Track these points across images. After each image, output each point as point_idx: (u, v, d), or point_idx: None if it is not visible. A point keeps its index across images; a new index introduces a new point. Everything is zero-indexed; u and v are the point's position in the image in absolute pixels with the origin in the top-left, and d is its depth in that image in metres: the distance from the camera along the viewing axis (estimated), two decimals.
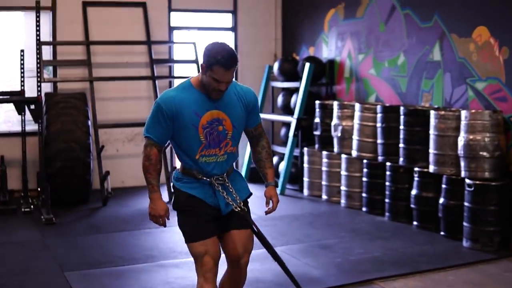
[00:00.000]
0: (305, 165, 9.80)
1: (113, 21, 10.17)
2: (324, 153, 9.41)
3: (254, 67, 11.04)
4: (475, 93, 7.55)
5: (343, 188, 9.05)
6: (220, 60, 3.80)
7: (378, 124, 8.41)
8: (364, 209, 8.67)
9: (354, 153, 8.85)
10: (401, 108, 7.99)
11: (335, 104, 9.20)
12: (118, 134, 10.31)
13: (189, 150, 3.99)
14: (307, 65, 9.77)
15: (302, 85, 9.79)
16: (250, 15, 10.98)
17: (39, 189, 8.97)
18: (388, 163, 8.23)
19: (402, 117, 7.98)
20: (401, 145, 8.02)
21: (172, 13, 10.54)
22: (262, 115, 10.46)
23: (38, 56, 8.90)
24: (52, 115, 8.96)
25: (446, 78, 7.95)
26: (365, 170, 8.66)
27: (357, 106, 8.75)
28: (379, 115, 8.38)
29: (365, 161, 8.66)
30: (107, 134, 10.12)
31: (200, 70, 3.96)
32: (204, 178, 4.02)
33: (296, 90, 10.45)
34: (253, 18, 11.02)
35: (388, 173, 8.23)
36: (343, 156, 9.04)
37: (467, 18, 7.61)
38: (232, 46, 10.54)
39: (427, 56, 8.22)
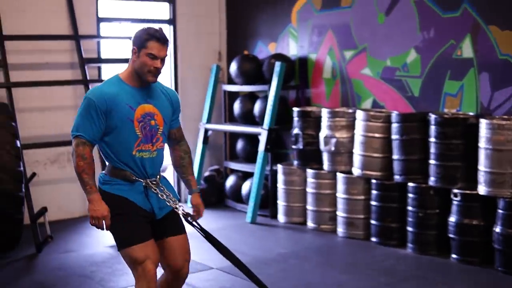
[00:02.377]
0: (280, 186, 8.08)
1: (27, 11, 7.89)
2: (310, 171, 7.75)
3: (196, 67, 9.15)
4: None
5: (340, 214, 7.44)
6: (154, 34, 3.81)
7: (395, 136, 6.87)
8: (374, 239, 7.12)
9: (356, 171, 7.28)
10: (433, 117, 6.51)
11: (325, 111, 7.57)
12: (39, 155, 8.04)
13: (125, 146, 3.89)
14: (278, 64, 8.06)
15: (273, 88, 8.06)
16: (190, 5, 9.06)
17: None
18: (411, 184, 6.74)
19: (433, 128, 6.50)
20: (431, 161, 6.54)
21: (99, 2, 8.41)
22: (212, 126, 8.83)
23: None
24: None
25: (482, 79, 6.58)
26: (374, 192, 7.11)
27: (361, 114, 7.18)
28: (395, 125, 6.85)
29: (373, 181, 7.11)
30: (25, 156, 7.80)
31: (131, 56, 3.88)
32: (139, 180, 3.93)
33: (255, 95, 8.74)
34: (195, 9, 9.11)
35: (410, 195, 6.73)
36: (340, 175, 7.44)
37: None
38: (172, 42, 8.78)
39: (452, 53, 6.80)
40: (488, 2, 6.49)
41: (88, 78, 7.92)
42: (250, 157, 8.69)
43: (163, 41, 3.82)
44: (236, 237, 7.47)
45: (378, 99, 7.54)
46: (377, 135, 7.09)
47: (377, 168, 7.11)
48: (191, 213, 4.14)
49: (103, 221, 3.83)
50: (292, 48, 8.47)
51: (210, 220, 8.17)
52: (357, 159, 7.26)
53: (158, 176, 4.00)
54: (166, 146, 4.13)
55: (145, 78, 3.85)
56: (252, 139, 8.67)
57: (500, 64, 6.41)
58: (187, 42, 9.05)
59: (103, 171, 4.03)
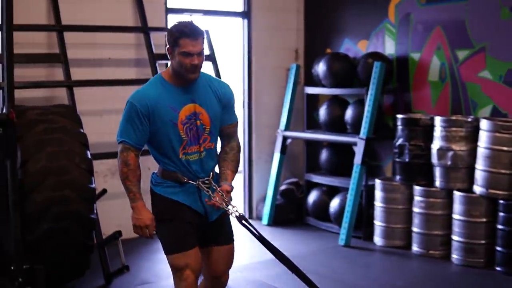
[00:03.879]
0: (378, 204, 7.03)
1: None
2: (417, 188, 6.70)
3: (272, 66, 8.10)
4: None
5: (456, 238, 6.38)
6: (184, 31, 3.60)
7: None
8: (498, 268, 6.08)
9: (478, 189, 6.22)
10: None
11: (438, 119, 6.52)
12: (97, 165, 6.94)
13: (170, 150, 3.74)
14: (377, 64, 7.01)
15: (371, 92, 7.01)
16: None
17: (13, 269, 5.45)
18: None
19: None
20: None
21: None
22: (292, 134, 7.76)
23: None
24: (29, 144, 5.52)
25: None
26: (501, 214, 6.07)
27: (486, 123, 6.14)
28: None
29: (500, 201, 6.07)
30: None
31: (169, 57, 3.70)
32: (190, 182, 3.77)
33: (343, 99, 7.70)
34: (272, 0, 8.06)
35: None
36: (457, 193, 6.38)
37: None
38: (245, 38, 7.73)
39: None
40: None
41: None
42: (336, 170, 7.64)
43: (195, 35, 3.60)
44: (333, 263, 6.42)
45: (499, 106, 6.48)
46: (505, 148, 6.05)
47: (506, 186, 6.06)
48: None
49: (146, 230, 3.74)
50: (389, 47, 7.42)
51: (295, 241, 7.16)
52: (479, 175, 6.21)
53: (211, 175, 3.83)
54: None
55: (185, 77, 3.67)
56: (339, 149, 7.63)
57: None
58: (263, 39, 8.00)
59: (155, 171, 3.89)
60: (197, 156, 3.77)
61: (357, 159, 7.06)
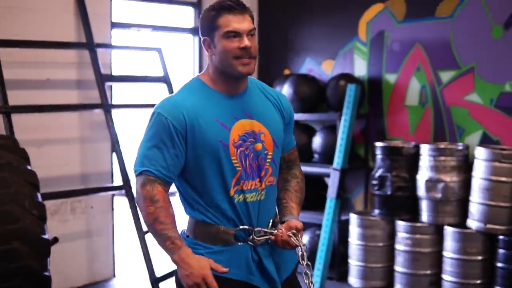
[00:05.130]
0: (354, 242, 6.33)
1: (25, 9, 5.82)
2: (401, 223, 6.05)
3: None
4: None
5: (448, 278, 5.77)
6: (223, 6, 2.59)
7: None
8: None
9: (473, 224, 5.65)
10: None
11: (426, 148, 5.92)
12: None
13: (216, 186, 2.60)
14: (351, 87, 6.36)
15: (345, 118, 6.33)
16: None
17: None
18: None
19: None
20: None
21: (113, 1, 6.42)
22: None
23: None
24: None
25: None
26: (500, 251, 5.52)
27: (482, 151, 5.59)
28: None
29: (501, 237, 5.53)
30: None
31: (207, 53, 2.68)
32: (242, 241, 2.63)
33: (308, 126, 7.00)
34: None
35: None
36: (449, 229, 5.79)
37: None
38: (196, 56, 6.94)
39: None
40: None
41: (108, 100, 5.91)
42: (304, 204, 6.89)
43: (240, 9, 2.62)
44: None
45: (490, 132, 5.96)
46: (505, 179, 5.52)
47: (505, 221, 5.52)
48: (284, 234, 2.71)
49: (208, 280, 2.52)
50: (359, 68, 6.77)
51: None
52: (475, 209, 5.64)
53: (269, 224, 2.73)
54: None
55: (234, 72, 2.62)
56: (307, 181, 6.88)
57: None
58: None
59: (184, 229, 2.74)
60: (255, 197, 2.68)
61: (331, 192, 6.35)
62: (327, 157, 6.54)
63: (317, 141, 6.68)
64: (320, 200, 6.58)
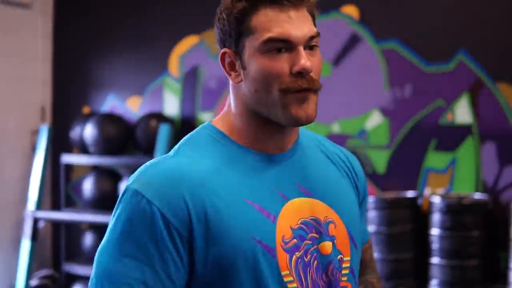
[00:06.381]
0: None
1: None
2: None
3: (12, 128, 6.24)
4: None
5: None
6: None
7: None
8: None
9: None
10: (436, 199, 4.81)
11: None
12: None
13: None
14: (164, 128, 5.69)
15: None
16: (7, 36, 6.15)
17: None
18: None
19: (438, 216, 4.80)
20: (434, 260, 4.82)
21: None
22: (48, 214, 6.07)
23: None
24: None
25: (486, 152, 5.08)
26: None
27: None
28: (373, 213, 5.00)
29: None
30: None
31: (229, 79, 1.56)
32: None
33: (114, 171, 6.21)
34: (8, 39, 6.22)
35: None
36: None
37: None
38: None
39: (438, 117, 5.21)
40: (494, 51, 5.06)
41: None
42: None
43: None
44: None
45: None
46: None
47: None
48: None
49: None
50: (170, 106, 6.10)
51: None
52: None
53: None
54: None
55: (281, 117, 1.49)
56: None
57: None
58: (4, 92, 6.14)
59: None
60: None
61: None
62: None
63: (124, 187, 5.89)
64: None
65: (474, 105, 5.10)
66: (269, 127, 1.54)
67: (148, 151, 5.82)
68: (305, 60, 1.45)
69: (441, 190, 5.18)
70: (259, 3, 1.47)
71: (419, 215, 5.05)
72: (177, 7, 6.00)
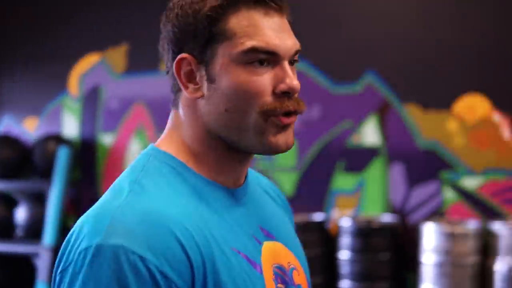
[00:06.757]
0: None
1: None
2: None
3: None
4: (462, 194, 4.89)
5: None
6: None
7: None
8: None
9: None
10: (349, 224, 4.72)
11: None
12: None
13: None
14: (63, 151, 5.40)
15: (57, 187, 5.32)
16: None
17: None
18: None
19: (347, 239, 4.71)
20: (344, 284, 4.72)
21: None
22: None
23: None
24: None
25: (394, 173, 5.05)
26: None
27: None
28: None
29: None
30: None
31: (182, 86, 1.22)
32: None
33: (9, 196, 5.84)
34: None
35: None
36: None
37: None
38: None
39: (345, 138, 5.15)
40: (402, 72, 5.06)
41: None
42: None
43: (279, 0, 1.22)
44: None
45: None
46: None
47: None
48: None
49: None
50: (70, 127, 5.82)
51: None
52: None
53: None
54: None
55: (258, 146, 1.22)
56: (6, 264, 5.68)
57: (420, 153, 4.98)
58: None
59: None
60: None
61: (42, 275, 5.24)
62: (33, 232, 5.45)
63: (21, 214, 5.55)
64: (26, 286, 5.45)
65: (382, 126, 5.08)
66: (233, 155, 1.26)
67: (46, 174, 5.52)
68: (291, 78, 1.21)
69: (349, 212, 5.12)
70: (241, 1, 1.19)
71: (327, 239, 4.96)
72: (78, 23, 5.74)
